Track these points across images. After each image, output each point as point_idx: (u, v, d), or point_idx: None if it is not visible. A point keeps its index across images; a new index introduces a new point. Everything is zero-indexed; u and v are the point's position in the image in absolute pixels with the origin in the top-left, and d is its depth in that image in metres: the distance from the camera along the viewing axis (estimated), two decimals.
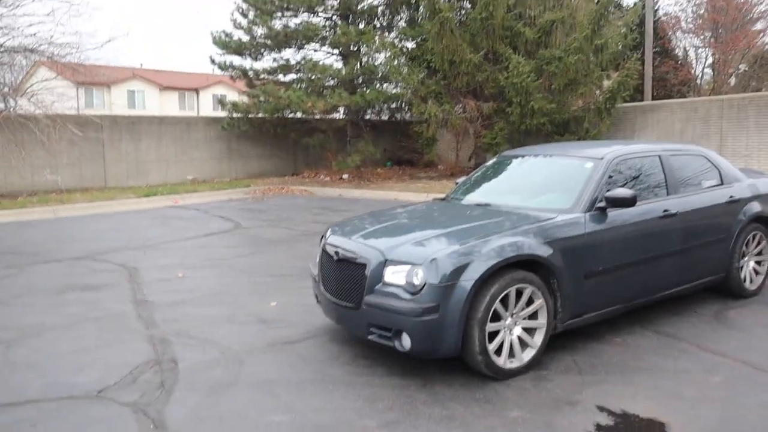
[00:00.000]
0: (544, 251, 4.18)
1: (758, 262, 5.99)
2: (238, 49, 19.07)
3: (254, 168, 20.28)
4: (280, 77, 19.97)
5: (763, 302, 5.78)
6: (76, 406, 3.78)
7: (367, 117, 20.82)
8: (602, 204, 4.61)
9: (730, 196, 5.65)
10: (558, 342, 4.51)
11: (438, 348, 3.91)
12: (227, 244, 9.36)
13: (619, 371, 4.19)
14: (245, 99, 19.68)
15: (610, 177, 4.84)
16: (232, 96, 31.15)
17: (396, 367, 4.26)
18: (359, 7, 19.23)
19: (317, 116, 19.47)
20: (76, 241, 9.65)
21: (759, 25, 24.17)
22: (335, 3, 19.14)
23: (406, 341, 3.93)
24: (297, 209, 13.36)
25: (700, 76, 24.09)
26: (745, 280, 5.81)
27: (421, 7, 19.21)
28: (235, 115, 19.09)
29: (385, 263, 4.09)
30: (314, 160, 20.82)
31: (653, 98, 19.29)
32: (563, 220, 4.45)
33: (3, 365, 4.46)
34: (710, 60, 23.85)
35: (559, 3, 17.15)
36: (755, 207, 5.83)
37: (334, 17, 19.56)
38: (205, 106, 48.25)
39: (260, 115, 18.98)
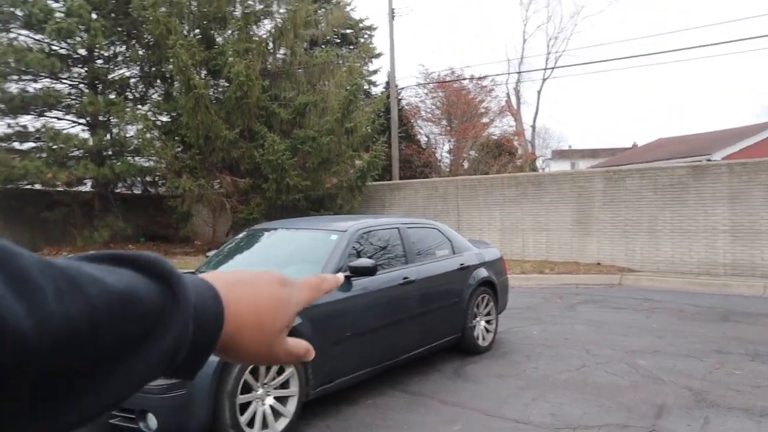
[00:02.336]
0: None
1: (488, 321, 6.76)
2: None
3: None
4: (15, 145, 18.05)
5: (493, 356, 6.49)
6: None
7: (117, 190, 19.64)
8: (346, 273, 4.88)
9: (461, 264, 6.36)
10: (311, 408, 4.58)
11: (187, 425, 3.74)
12: None
13: (368, 431, 4.37)
14: None
15: (354, 248, 5.17)
16: None
17: None
18: (109, 77, 18.43)
19: (60, 188, 17.87)
20: None
21: (485, 119, 28.22)
22: (82, 71, 18.11)
23: (152, 421, 3.70)
24: None
25: (440, 159, 27.07)
26: (478, 338, 6.50)
27: (176, 82, 19.05)
28: None
29: None
30: (56, 236, 18.88)
31: (400, 178, 21.12)
32: None
33: None
34: (447, 146, 27.01)
35: (312, 88, 18.23)
36: (482, 272, 6.63)
37: (81, 85, 18.45)
38: None
39: None
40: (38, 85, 17.78)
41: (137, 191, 20.60)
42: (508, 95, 36.62)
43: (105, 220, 17.58)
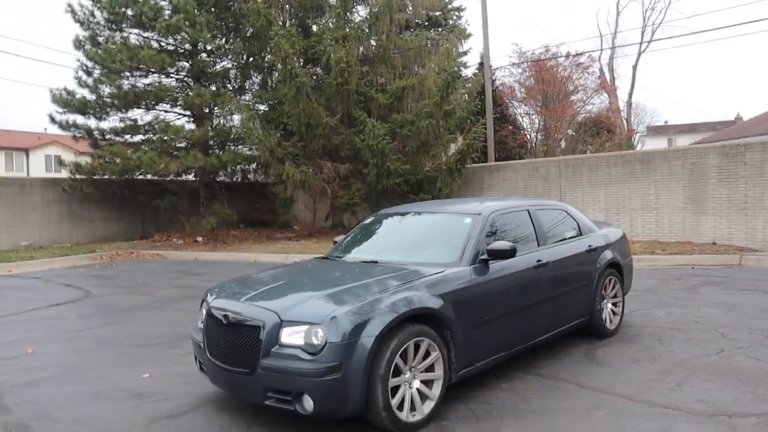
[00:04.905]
0: (437, 304, 4.27)
1: (614, 304, 6.54)
2: (82, 107, 17.97)
3: (99, 232, 18.95)
4: (127, 138, 19.07)
5: (623, 340, 6.28)
6: None
7: (220, 178, 20.41)
8: (485, 256, 4.83)
9: (589, 245, 6.17)
10: (450, 393, 4.57)
11: (342, 408, 3.81)
12: (79, 314, 8.56)
13: (513, 415, 4.33)
14: (88, 160, 18.52)
15: (489, 231, 5.10)
16: (68, 157, 29.25)
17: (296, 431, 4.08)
18: (211, 70, 19.08)
19: (168, 178, 18.76)
20: None
21: (578, 96, 27.31)
22: (187, 65, 18.85)
23: (308, 403, 3.79)
24: (152, 274, 12.60)
25: (534, 139, 26.43)
26: (605, 321, 6.30)
27: (274, 72, 19.49)
28: (77, 176, 17.84)
29: (281, 324, 3.95)
30: (165, 223, 19.89)
31: (496, 159, 20.79)
32: (451, 273, 4.59)
33: None
34: (541, 125, 26.30)
35: (407, 71, 18.17)
36: (609, 254, 6.41)
37: (186, 79, 19.21)
38: (36, 167, 44.65)
39: (106, 176, 17.91)
40: (147, 80, 18.70)
41: (237, 179, 21.32)
42: (601, 70, 35.29)
43: (212, 207, 18.30)
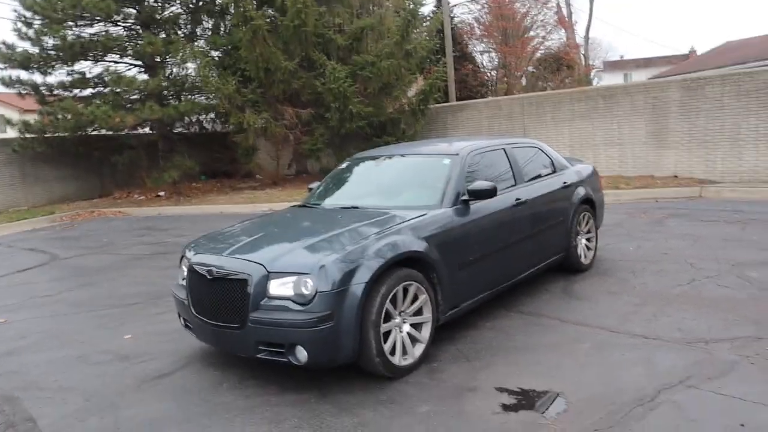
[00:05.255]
0: (422, 247, 4.26)
1: (588, 239, 6.65)
2: (25, 62, 17.05)
3: (56, 192, 18.37)
4: (77, 92, 18.29)
5: (597, 274, 6.42)
6: None
7: (177, 130, 19.85)
8: (465, 197, 4.82)
9: (564, 182, 6.21)
10: (438, 335, 4.62)
11: (335, 356, 3.81)
12: (48, 278, 8.35)
13: (500, 353, 4.41)
14: (36, 117, 17.75)
15: (468, 171, 5.07)
16: (12, 115, 27.97)
17: (288, 382, 4.08)
18: (161, 16, 18.27)
19: (124, 132, 18.15)
20: None
21: (535, 32, 27.15)
22: (134, 11, 17.98)
23: (301, 354, 3.78)
24: (117, 232, 12.33)
25: (494, 77, 26.29)
26: (581, 257, 6.42)
27: (227, 16, 18.78)
28: (27, 135, 17.10)
29: (268, 276, 3.90)
30: (124, 179, 19.38)
31: (457, 99, 20.66)
32: (433, 216, 4.57)
33: None
34: (500, 62, 26.13)
35: (366, 11, 17.72)
36: (582, 191, 6.48)
37: (134, 27, 18.38)
38: None
39: (58, 133, 17.23)
40: (93, 30, 17.83)
41: (195, 130, 20.76)
42: (558, 5, 35.02)
43: (172, 160, 17.85)
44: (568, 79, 24.97)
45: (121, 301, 6.68)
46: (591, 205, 6.71)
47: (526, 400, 3.63)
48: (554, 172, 6.27)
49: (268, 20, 16.16)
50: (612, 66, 54.71)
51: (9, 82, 17.44)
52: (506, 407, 3.56)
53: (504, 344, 4.58)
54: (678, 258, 6.84)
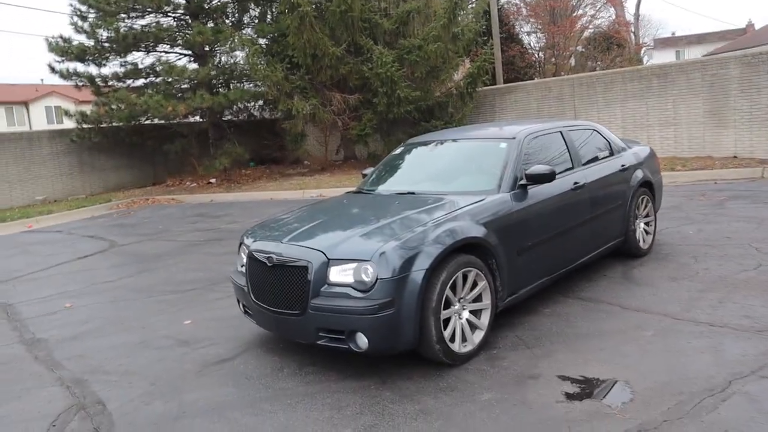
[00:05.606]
0: (482, 233, 4.21)
1: (647, 223, 6.47)
2: (81, 54, 17.55)
3: (112, 181, 18.90)
4: (130, 83, 18.74)
5: (657, 259, 6.25)
6: None
7: (226, 118, 20.14)
8: (523, 181, 4.73)
9: (622, 165, 6.05)
10: (497, 321, 4.56)
11: (396, 343, 3.81)
12: (108, 264, 8.60)
13: (561, 340, 4.33)
14: (92, 108, 18.25)
15: (525, 155, 4.98)
16: (68, 106, 28.87)
17: (348, 369, 4.10)
18: (209, 6, 18.50)
19: (175, 121, 18.51)
20: None
21: (584, 10, 26.47)
22: (183, 1, 18.25)
23: (362, 341, 3.79)
24: (171, 219, 12.61)
25: (542, 58, 25.78)
26: (639, 241, 6.25)
27: (273, 3, 18.88)
28: (84, 125, 17.62)
29: (328, 263, 3.91)
30: (176, 167, 19.80)
31: (504, 81, 20.35)
32: (491, 201, 4.51)
33: None
34: (548, 43, 25.59)
35: None
36: (640, 173, 6.30)
37: (183, 17, 18.66)
38: (38, 120, 44.28)
39: (113, 123, 17.70)
40: (144, 21, 18.20)
41: (243, 118, 21.02)
42: None
43: (222, 148, 18.13)
44: (619, 58, 24.28)
45: (179, 287, 6.83)
46: (649, 188, 6.52)
47: (590, 389, 3.56)
48: (611, 154, 6.11)
49: (314, 6, 16.17)
50: (663, 43, 53.05)
51: (66, 75, 17.98)
52: (570, 396, 3.49)
53: (564, 331, 4.51)
54: (742, 242, 6.60)
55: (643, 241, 6.36)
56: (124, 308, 6.21)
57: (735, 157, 12.91)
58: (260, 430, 3.41)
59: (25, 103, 44.77)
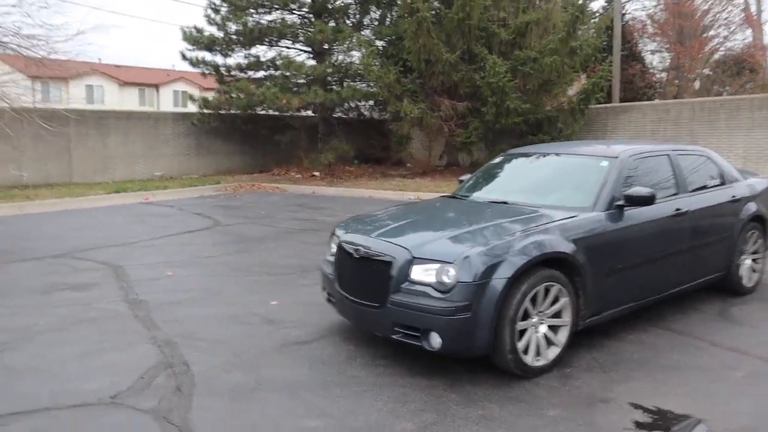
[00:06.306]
0: (570, 249, 4.15)
1: (755, 260, 6.10)
2: (210, 44, 18.67)
3: (223, 164, 19.93)
4: (251, 74, 19.69)
5: (762, 299, 5.89)
6: (92, 414, 3.58)
7: (336, 115, 20.69)
8: (621, 202, 4.61)
9: (732, 196, 5.74)
10: (574, 341, 4.47)
11: (469, 347, 3.84)
12: (211, 241, 9.13)
13: (641, 368, 4.19)
14: (214, 95, 19.32)
15: (626, 176, 4.85)
16: (193, 92, 30.64)
17: (418, 367, 4.17)
18: (332, 6, 19.10)
19: (289, 113, 19.25)
20: (50, 238, 9.25)
21: (716, 31, 25.00)
22: (308, 0, 18.96)
23: (435, 340, 3.85)
24: (273, 206, 13.14)
25: (664, 79, 24.65)
26: (742, 278, 5.91)
27: (393, 7, 19.22)
28: (205, 110, 18.73)
29: (412, 261, 3.99)
30: (284, 157, 20.56)
31: (621, 100, 19.67)
32: (584, 218, 4.43)
33: (2, 371, 4.20)
34: (673, 64, 24.42)
35: (532, 5, 17.34)
36: (753, 206, 5.95)
37: (307, 15, 19.38)
38: (165, 102, 47.24)
39: (231, 111, 18.67)
40: (271, 17, 19.06)
41: (353, 116, 21.52)
42: (746, 2, 31.98)
43: (329, 143, 18.67)
44: (750, 84, 22.79)
45: (273, 270, 7.15)
46: (762, 223, 6.14)
47: (663, 421, 3.44)
48: (723, 183, 5.82)
49: (433, 12, 16.33)
50: None
51: (195, 62, 19.16)
52: (639, 425, 3.39)
53: (646, 360, 4.35)
54: None
55: (748, 278, 6.00)
56: (221, 283, 6.59)
57: None
58: (328, 411, 3.55)
59: (156, 86, 47.87)
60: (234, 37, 18.61)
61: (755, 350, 4.54)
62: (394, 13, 19.44)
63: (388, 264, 4.06)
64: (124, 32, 75.48)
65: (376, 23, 20.10)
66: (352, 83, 19.36)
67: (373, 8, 20.21)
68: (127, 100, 44.20)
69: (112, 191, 14.54)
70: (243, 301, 5.85)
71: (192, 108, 19.91)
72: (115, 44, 74.59)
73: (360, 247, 4.33)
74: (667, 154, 5.38)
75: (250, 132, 19.77)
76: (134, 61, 79.71)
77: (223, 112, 18.83)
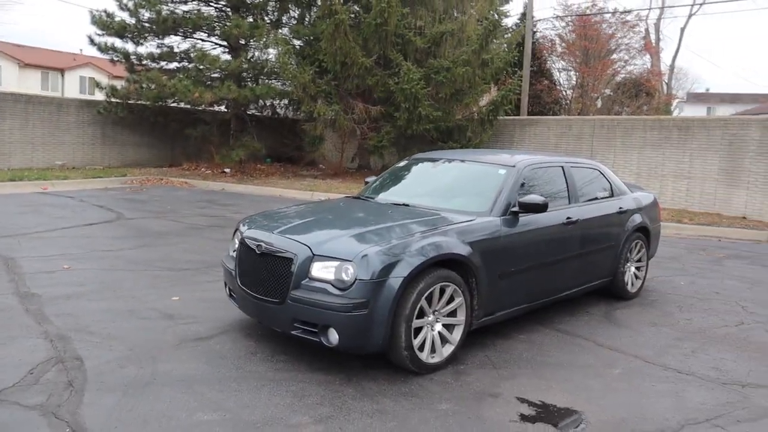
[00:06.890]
0: (466, 251, 4.34)
1: (638, 268, 6.56)
2: (121, 31, 17.95)
3: (130, 157, 19.22)
4: (163, 64, 19.12)
5: (642, 304, 6.33)
6: None
7: (250, 112, 20.43)
8: (516, 209, 4.86)
9: (620, 208, 6.16)
10: (469, 340, 4.67)
11: (366, 343, 3.94)
12: (112, 235, 8.81)
13: (529, 366, 4.44)
14: (123, 84, 18.63)
15: (522, 184, 5.11)
16: (102, 79, 29.36)
17: (317, 363, 4.24)
18: (251, 1, 18.85)
19: (201, 107, 18.83)
20: None
21: (618, 55, 26.60)
22: None
23: (333, 336, 3.93)
24: (180, 201, 12.82)
25: (570, 97, 25.92)
26: (627, 284, 6.35)
27: (313, 7, 19.21)
28: (113, 99, 18.00)
29: (312, 258, 4.06)
30: (194, 152, 20.06)
31: (528, 114, 20.50)
32: (481, 223, 4.64)
33: None
34: (578, 82, 25.72)
35: (448, 16, 17.80)
36: (638, 218, 6.41)
37: (224, 8, 19.04)
38: (71, 88, 44.94)
39: (141, 101, 18.05)
40: (186, 8, 18.57)
41: (267, 114, 21.30)
42: (647, 31, 34.18)
43: (241, 140, 18.40)
44: (646, 106, 24.37)
45: (175, 265, 7.01)
46: (645, 233, 6.62)
47: (546, 414, 3.67)
48: (612, 196, 6.23)
49: (351, 15, 16.46)
50: (696, 98, 53.00)
51: (104, 48, 18.36)
52: (524, 417, 3.60)
53: (534, 358, 4.61)
54: (730, 299, 6.67)
55: (632, 284, 6.45)
56: (120, 277, 6.39)
57: (744, 218, 12.94)
58: (224, 405, 3.55)
59: (62, 71, 45.49)
60: (147, 25, 17.99)
61: (632, 350, 4.90)
62: (313, 14, 19.43)
63: (289, 261, 4.10)
64: (27, 9, 71.20)
65: (295, 22, 19.98)
66: (267, 81, 19.17)
67: (293, 7, 20.08)
68: (28, 83, 41.68)
69: (6, 179, 13.72)
70: (142, 296, 5.71)
71: (99, 96, 19.10)
72: (16, 22, 70.22)
73: (262, 243, 4.35)
74: (562, 166, 5.71)
75: (159, 124, 19.17)
76: (38, 42, 75.46)
77: (132, 102, 18.17)
